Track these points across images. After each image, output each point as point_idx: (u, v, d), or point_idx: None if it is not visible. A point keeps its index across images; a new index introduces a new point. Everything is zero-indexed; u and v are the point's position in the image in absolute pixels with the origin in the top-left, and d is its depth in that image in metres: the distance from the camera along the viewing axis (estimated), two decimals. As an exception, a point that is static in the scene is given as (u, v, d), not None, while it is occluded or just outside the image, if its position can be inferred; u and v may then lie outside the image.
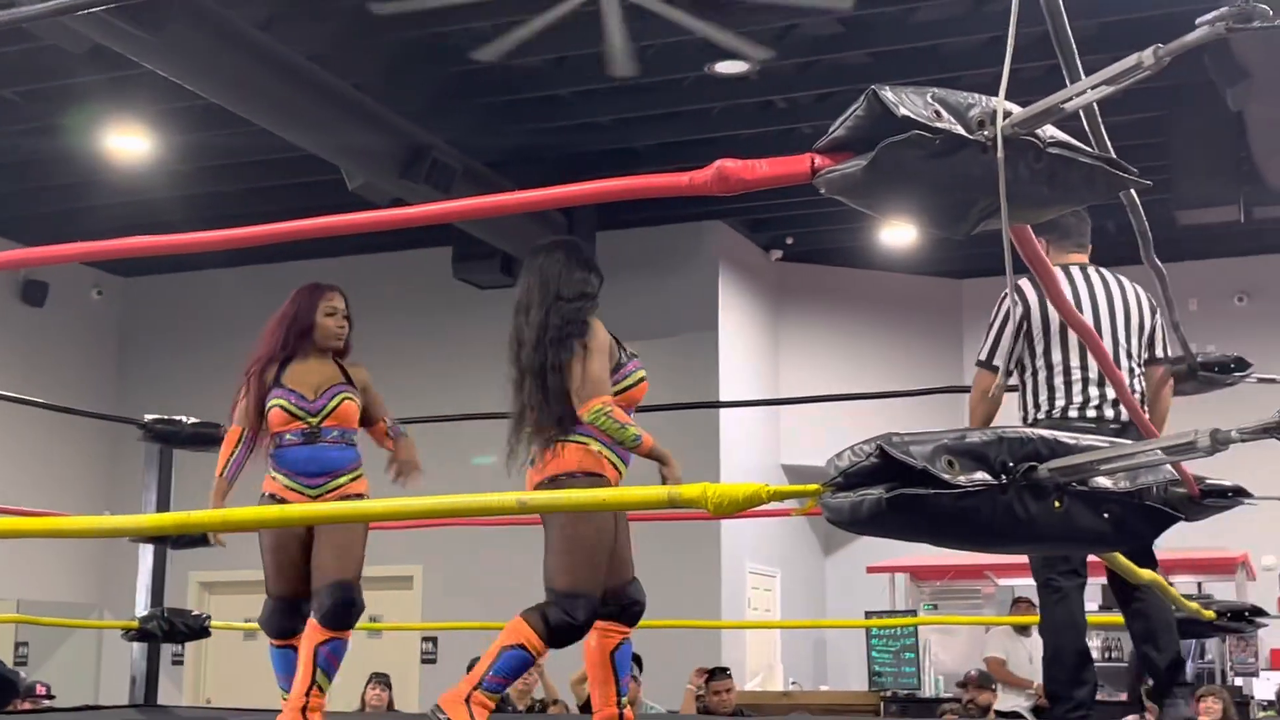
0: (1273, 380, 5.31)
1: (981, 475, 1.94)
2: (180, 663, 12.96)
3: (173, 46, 7.85)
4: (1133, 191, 2.70)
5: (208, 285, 13.85)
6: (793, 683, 12.63)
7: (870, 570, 12.57)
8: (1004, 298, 4.70)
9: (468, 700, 3.96)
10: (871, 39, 9.59)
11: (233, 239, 3.12)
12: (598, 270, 4.40)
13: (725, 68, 9.73)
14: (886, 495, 1.94)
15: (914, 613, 11.85)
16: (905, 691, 11.22)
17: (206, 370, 13.48)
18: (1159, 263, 3.63)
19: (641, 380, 4.30)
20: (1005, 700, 9.92)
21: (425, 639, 12.72)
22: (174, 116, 10.31)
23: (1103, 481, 2.03)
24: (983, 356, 4.66)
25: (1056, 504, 1.98)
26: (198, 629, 6.47)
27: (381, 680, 10.03)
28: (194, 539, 6.43)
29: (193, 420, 6.55)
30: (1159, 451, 1.91)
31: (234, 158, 11.21)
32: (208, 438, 6.54)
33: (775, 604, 13.40)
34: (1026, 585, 12.36)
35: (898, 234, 12.90)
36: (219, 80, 8.42)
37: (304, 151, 9.70)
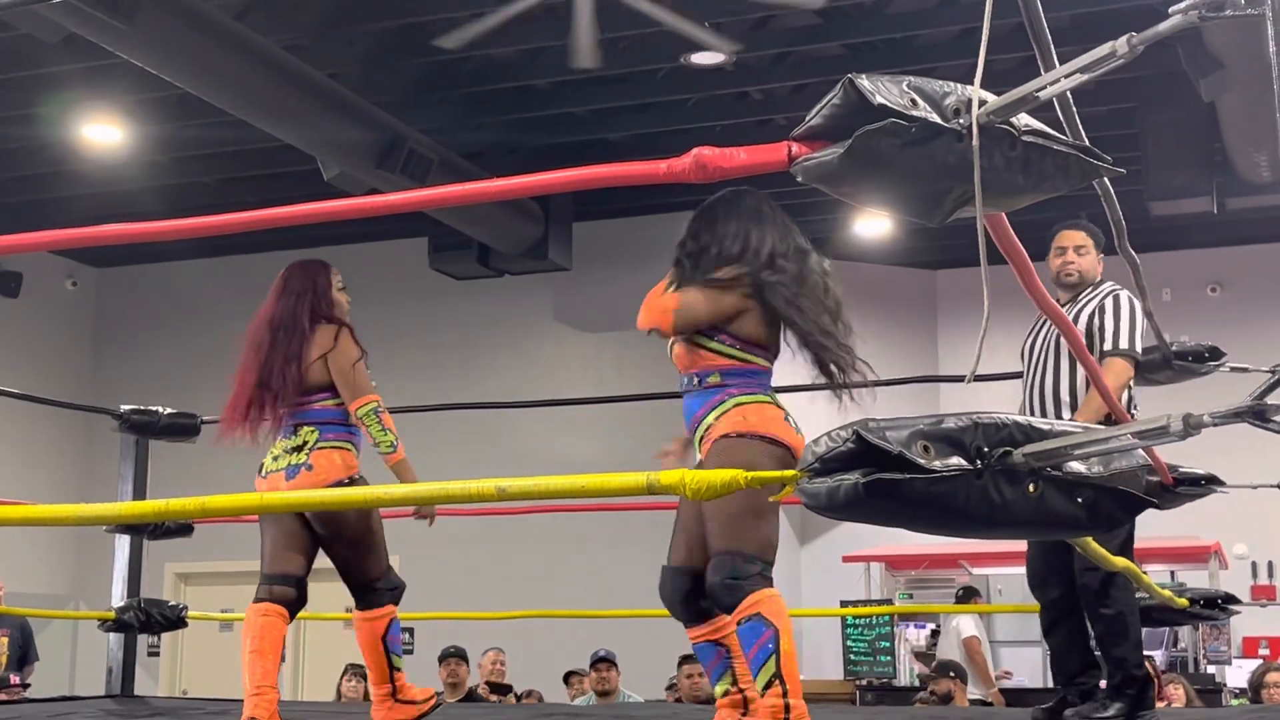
0: (1245, 369, 5.35)
1: (957, 460, 1.96)
2: (156, 654, 12.93)
3: (147, 36, 7.82)
4: (1107, 181, 2.72)
5: (182, 276, 13.82)
6: (769, 672, 12.65)
7: (846, 559, 12.61)
8: (1106, 291, 4.80)
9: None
10: (847, 30, 9.61)
11: (206, 227, 3.12)
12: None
13: (701, 59, 9.74)
14: (863, 480, 1.95)
15: (890, 601, 11.89)
16: (881, 680, 11.26)
17: (182, 360, 13.48)
18: (1133, 253, 3.65)
19: None
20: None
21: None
22: (148, 106, 10.27)
23: (1076, 466, 2.04)
24: (1124, 345, 4.70)
25: (1031, 489, 1.99)
26: (174, 620, 6.46)
27: (357, 671, 10.01)
28: (171, 529, 6.43)
29: (169, 410, 6.53)
30: (1131, 436, 1.93)
31: (209, 148, 11.17)
32: (184, 428, 6.53)
33: (751, 594, 13.42)
34: (1000, 575, 12.47)
35: (872, 225, 12.93)
36: (194, 70, 8.38)
37: (279, 142, 9.67)
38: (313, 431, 4.54)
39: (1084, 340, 4.72)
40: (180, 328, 13.79)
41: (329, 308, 4.62)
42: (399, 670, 4.61)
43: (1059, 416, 4.72)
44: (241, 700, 4.46)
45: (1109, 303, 4.78)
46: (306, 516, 4.55)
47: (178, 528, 6.47)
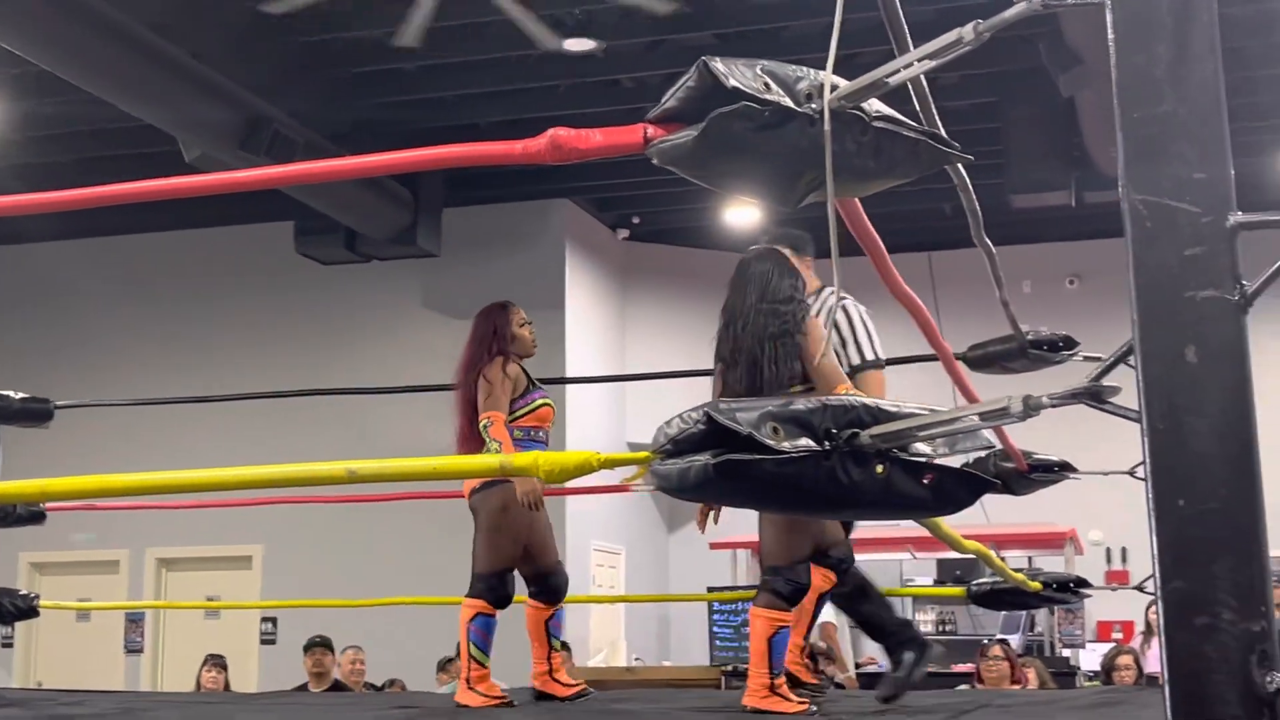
0: (1096, 359, 5.46)
1: (806, 441, 1.98)
2: (10, 645, 12.63)
3: (3, 11, 7.62)
4: (963, 170, 2.76)
5: (40, 258, 13.47)
6: (636, 659, 12.71)
7: (713, 546, 12.69)
8: (832, 306, 4.85)
9: (774, 690, 4.38)
10: (716, 20, 9.66)
11: (61, 201, 3.04)
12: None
13: (572, 45, 9.72)
14: (713, 461, 1.96)
15: (755, 588, 11.99)
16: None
17: (37, 344, 13.17)
18: (989, 242, 3.71)
19: None
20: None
21: (265, 619, 12.56)
22: (3, 83, 10.00)
23: (922, 448, 2.08)
24: (871, 356, 4.76)
25: (879, 470, 2.02)
26: (26, 609, 6.31)
27: (218, 662, 9.86)
28: (22, 516, 6.27)
29: (21, 395, 6.37)
30: (975, 417, 1.96)
31: (67, 127, 10.90)
32: (36, 413, 6.38)
33: (620, 581, 13.47)
34: (861, 560, 12.61)
35: (742, 214, 13.02)
36: (51, 47, 8.18)
37: (140, 122, 9.48)
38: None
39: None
40: (36, 311, 13.45)
41: (502, 345, 5.13)
42: (556, 651, 5.27)
43: None
44: (95, 691, 4.41)
45: (840, 318, 4.89)
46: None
47: (29, 515, 6.30)
